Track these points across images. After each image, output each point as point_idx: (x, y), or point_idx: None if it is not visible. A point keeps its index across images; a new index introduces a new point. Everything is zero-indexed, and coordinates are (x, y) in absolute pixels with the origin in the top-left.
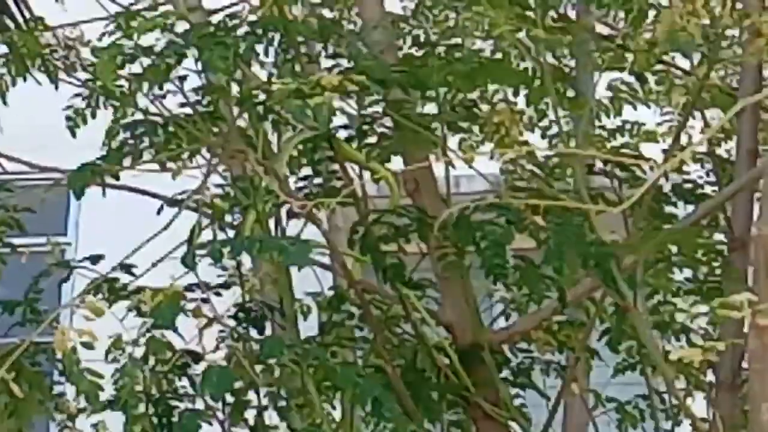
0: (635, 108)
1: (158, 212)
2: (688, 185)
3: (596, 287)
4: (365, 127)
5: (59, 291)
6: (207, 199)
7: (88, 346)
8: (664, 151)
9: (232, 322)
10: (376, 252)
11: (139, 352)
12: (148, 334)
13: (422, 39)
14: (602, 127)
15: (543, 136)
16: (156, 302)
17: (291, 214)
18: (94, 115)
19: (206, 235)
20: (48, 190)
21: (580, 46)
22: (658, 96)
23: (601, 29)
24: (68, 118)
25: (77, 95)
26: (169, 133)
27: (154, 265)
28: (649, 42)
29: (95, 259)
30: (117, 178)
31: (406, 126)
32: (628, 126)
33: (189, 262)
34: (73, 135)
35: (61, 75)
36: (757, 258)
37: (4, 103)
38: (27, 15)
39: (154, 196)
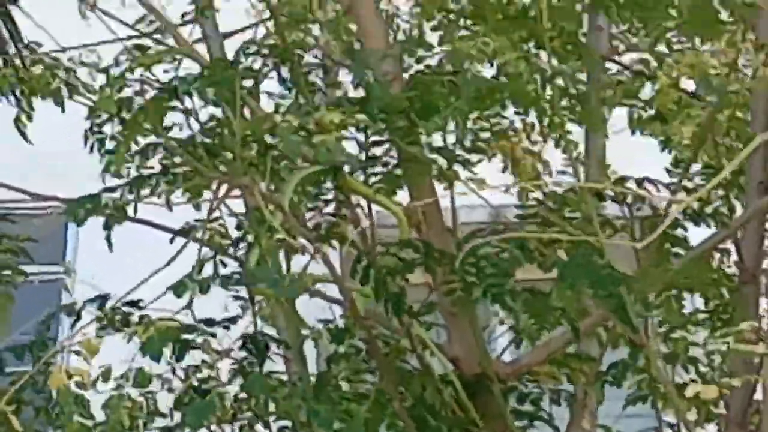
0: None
1: (171, 241)
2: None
3: (607, 318)
4: (370, 157)
5: (57, 322)
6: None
7: (82, 386)
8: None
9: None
10: (378, 283)
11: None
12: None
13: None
14: None
15: (557, 145)
16: (148, 335)
17: (296, 248)
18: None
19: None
20: (53, 217)
21: (592, 73)
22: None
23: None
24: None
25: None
26: (174, 174)
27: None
28: (672, 82)
29: (103, 299)
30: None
31: (411, 157)
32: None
33: (179, 292)
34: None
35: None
36: None
37: (26, 140)
38: (20, 41)
39: (158, 227)
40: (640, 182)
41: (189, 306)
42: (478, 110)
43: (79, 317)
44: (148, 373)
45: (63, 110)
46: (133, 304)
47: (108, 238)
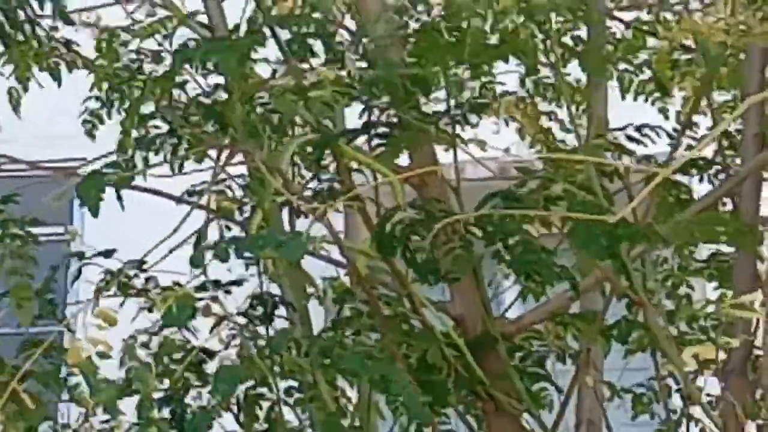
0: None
1: (177, 202)
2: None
3: (606, 278)
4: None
5: (65, 282)
6: (216, 196)
7: (104, 356)
8: (672, 136)
9: (242, 319)
10: (407, 250)
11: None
12: (160, 335)
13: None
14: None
15: (549, 118)
16: (167, 304)
17: (297, 213)
18: (110, 117)
19: (213, 231)
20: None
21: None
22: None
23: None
24: (85, 122)
25: (90, 98)
26: (178, 138)
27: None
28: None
29: (108, 253)
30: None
31: (411, 122)
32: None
33: (198, 262)
34: (92, 138)
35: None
36: None
37: (17, 115)
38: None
39: (162, 194)
40: (639, 128)
41: (204, 273)
42: (479, 63)
43: (79, 275)
44: (174, 342)
45: (59, 85)
46: (139, 265)
47: (119, 198)
